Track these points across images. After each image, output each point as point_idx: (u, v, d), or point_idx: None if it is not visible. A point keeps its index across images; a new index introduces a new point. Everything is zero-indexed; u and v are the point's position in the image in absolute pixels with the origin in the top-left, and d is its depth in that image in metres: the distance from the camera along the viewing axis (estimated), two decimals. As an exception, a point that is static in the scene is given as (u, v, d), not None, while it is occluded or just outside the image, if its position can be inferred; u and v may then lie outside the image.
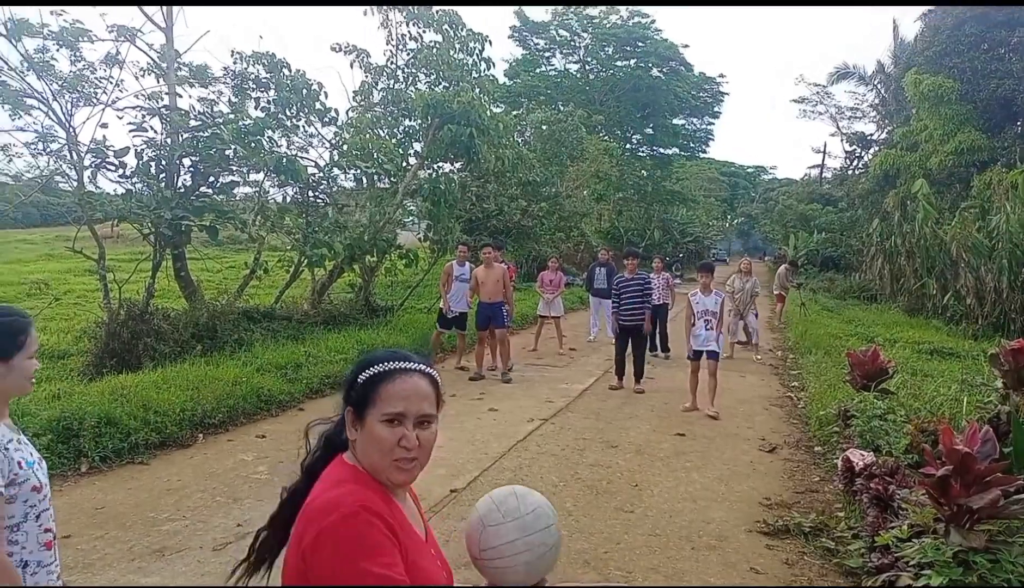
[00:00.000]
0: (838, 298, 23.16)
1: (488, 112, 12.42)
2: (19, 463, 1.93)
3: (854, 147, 37.87)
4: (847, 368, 7.65)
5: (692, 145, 45.51)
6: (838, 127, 40.07)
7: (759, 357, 12.07)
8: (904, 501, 4.24)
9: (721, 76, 42.93)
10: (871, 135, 36.72)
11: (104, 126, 12.26)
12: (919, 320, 16.75)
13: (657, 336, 11.98)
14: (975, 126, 22.70)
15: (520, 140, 18.26)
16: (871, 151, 34.59)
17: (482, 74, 14.14)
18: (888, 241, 20.97)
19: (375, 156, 11.68)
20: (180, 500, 5.12)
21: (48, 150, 9.12)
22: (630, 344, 9.39)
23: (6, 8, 8.42)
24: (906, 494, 4.33)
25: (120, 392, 6.57)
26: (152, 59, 10.30)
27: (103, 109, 9.18)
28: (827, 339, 12.48)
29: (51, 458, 5.46)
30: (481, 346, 9.99)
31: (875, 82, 34.13)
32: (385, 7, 13.43)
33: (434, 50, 13.40)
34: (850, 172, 37.85)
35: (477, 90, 13.05)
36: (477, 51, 13.89)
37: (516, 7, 37.36)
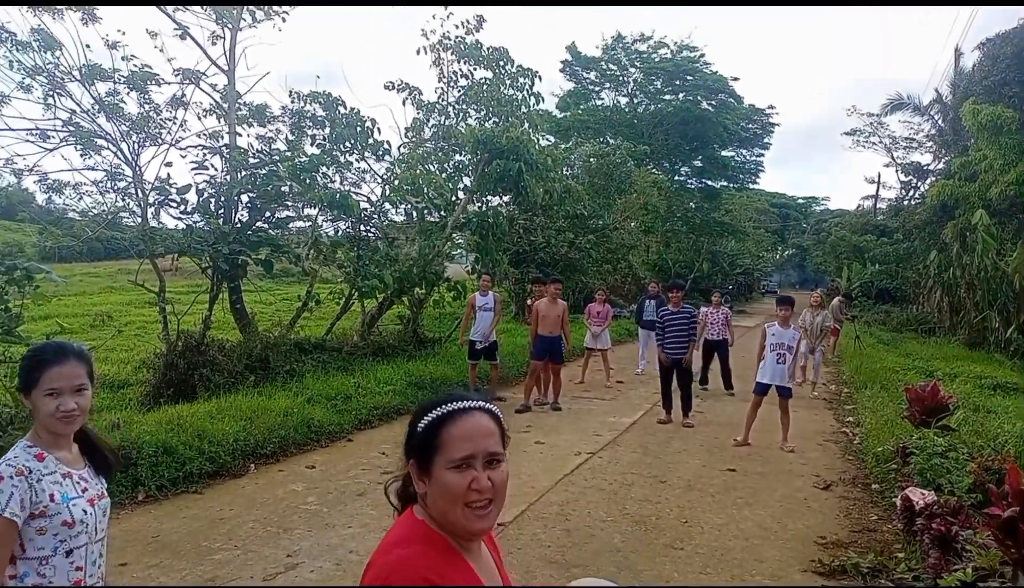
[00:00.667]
0: (894, 331, 22.55)
1: (536, 146, 12.56)
2: (51, 496, 1.95)
3: (910, 177, 37.03)
4: (905, 403, 7.44)
5: (742, 176, 45.05)
6: (892, 157, 39.25)
7: (815, 393, 11.78)
8: (968, 542, 4.09)
9: (771, 107, 42.46)
10: (927, 165, 35.85)
11: (168, 165, 12.82)
12: (980, 354, 16.17)
13: (707, 371, 11.85)
14: (1037, 155, 22.01)
15: (569, 173, 18.38)
16: (927, 181, 33.77)
17: (531, 109, 14.34)
18: (947, 273, 20.40)
19: (425, 191, 11.89)
20: (232, 530, 5.21)
21: (115, 188, 9.53)
22: (675, 378, 9.28)
23: (81, 55, 8.89)
24: (970, 535, 4.17)
25: (176, 422, 6.73)
26: (215, 100, 10.74)
27: (168, 149, 9.61)
28: (883, 373, 12.13)
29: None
30: (532, 378, 10.00)
31: (931, 112, 33.45)
32: (438, 48, 13.75)
33: (484, 87, 13.65)
34: (906, 203, 36.97)
35: (526, 125, 13.23)
36: (527, 86, 14.10)
37: (569, 43, 37.84)
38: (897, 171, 38.87)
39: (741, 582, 4.58)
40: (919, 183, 35.78)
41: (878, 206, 44.00)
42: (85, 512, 2.04)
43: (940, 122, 32.95)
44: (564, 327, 10.04)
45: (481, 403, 1.49)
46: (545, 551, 4.96)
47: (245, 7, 10.40)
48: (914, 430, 6.92)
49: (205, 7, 10.23)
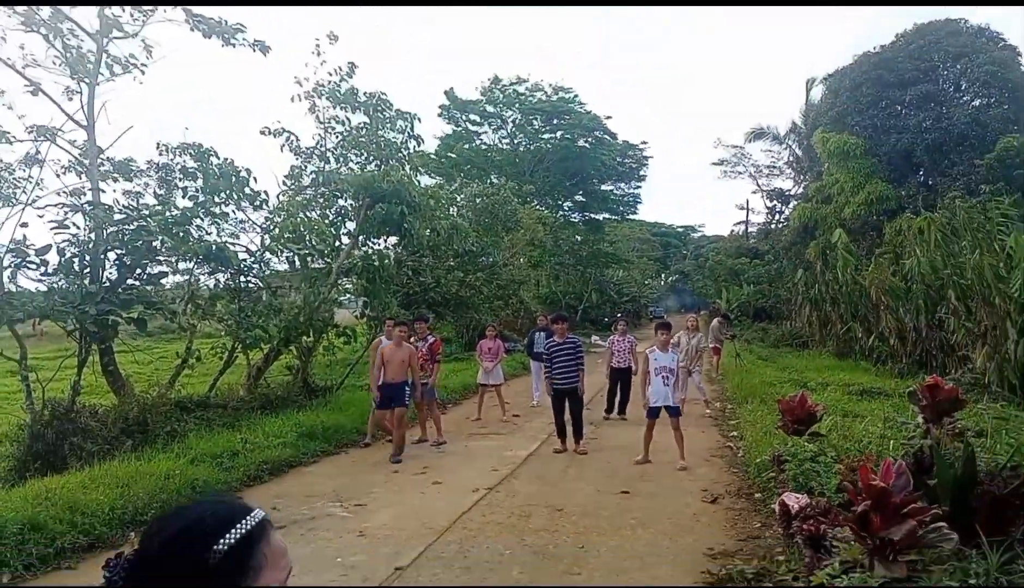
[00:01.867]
0: (772, 346, 23.86)
1: (418, 188, 12.67)
2: None
3: (774, 202, 39.65)
4: (779, 415, 7.88)
5: (622, 208, 46.81)
6: (758, 184, 41.98)
7: (708, 411, 12.25)
8: (836, 539, 4.38)
9: (644, 142, 44.59)
10: (789, 190, 38.56)
11: (24, 225, 12.00)
12: (848, 363, 17.39)
13: (618, 398, 12.03)
14: (881, 178, 24.12)
15: (455, 212, 18.56)
16: (790, 205, 36.24)
17: (412, 151, 14.45)
18: (813, 289, 21.88)
19: (307, 238, 11.71)
20: (111, 605, 4.89)
21: (-36, 253, 8.88)
22: (568, 406, 9.45)
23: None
24: (837, 532, 4.47)
25: (44, 495, 6.27)
26: (74, 156, 10.24)
27: (23, 209, 9.06)
28: (762, 387, 12.80)
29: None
30: (383, 427, 9.91)
31: (788, 141, 36.07)
32: (313, 95, 13.67)
33: (363, 132, 13.65)
34: (773, 226, 39.49)
35: (407, 167, 13.31)
36: (407, 129, 14.22)
37: (448, 88, 38.46)
38: (763, 197, 41.56)
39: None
40: (783, 207, 38.35)
41: (749, 230, 46.73)
42: None
43: (796, 150, 35.59)
44: (413, 372, 9.49)
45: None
46: (444, 591, 4.93)
47: (102, 61, 10.01)
48: (788, 439, 7.34)
49: (59, 64, 9.80)
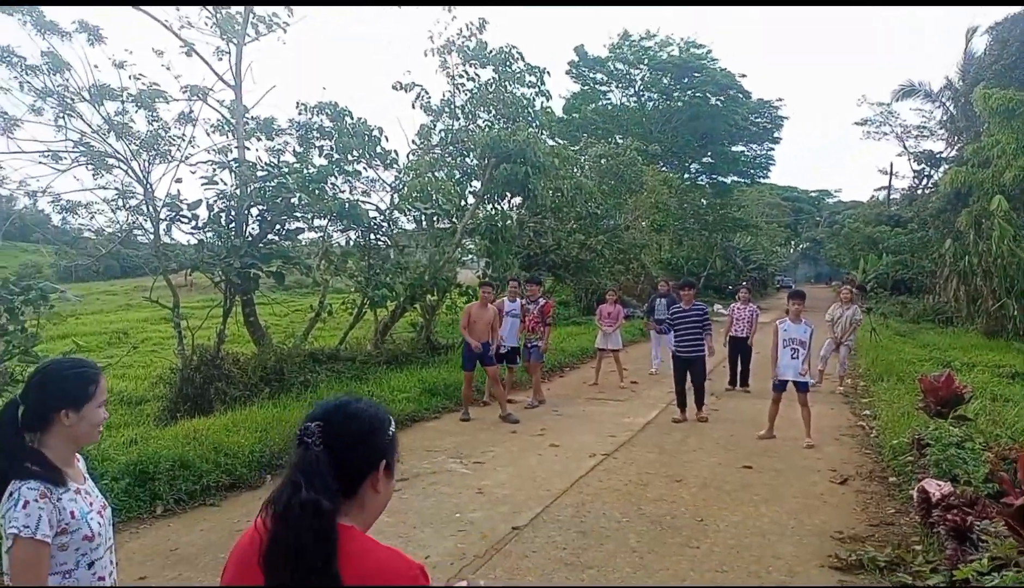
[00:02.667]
0: (911, 322, 22.36)
1: (544, 149, 12.57)
2: (71, 513, 2.00)
3: (922, 166, 36.78)
4: (920, 395, 7.37)
5: (752, 171, 44.94)
6: (904, 147, 39.03)
7: (841, 388, 11.60)
8: (984, 533, 4.06)
9: (779, 100, 42.49)
10: (940, 153, 35.61)
11: (179, 181, 12.90)
12: (999, 343, 16.02)
13: (739, 369, 11.69)
14: (1051, 138, 21.78)
15: (579, 173, 18.35)
16: (941, 169, 33.51)
17: (540, 108, 14.37)
18: (963, 261, 20.19)
19: (434, 197, 11.94)
20: (250, 540, 5.24)
21: (127, 206, 9.64)
22: (689, 375, 9.28)
23: (90, 75, 9.02)
24: (986, 526, 4.14)
25: (193, 436, 6.80)
26: (223, 115, 10.86)
27: (177, 165, 9.71)
28: (900, 365, 12.03)
29: (128, 501, 5.70)
30: (498, 386, 9.79)
31: (942, 99, 33.18)
32: (444, 51, 13.83)
33: (492, 87, 13.70)
34: (919, 192, 36.71)
35: (536, 125, 13.24)
36: (536, 83, 14.15)
37: (576, 45, 37.94)
38: (910, 160, 38.66)
39: (758, 580, 4.57)
40: (932, 171, 35.53)
41: (891, 196, 43.72)
42: (99, 524, 2.09)
43: (951, 108, 32.68)
44: (493, 333, 9.66)
45: None
46: (560, 553, 4.97)
47: (248, 21, 10.48)
48: (930, 421, 6.87)
49: (210, 24, 10.34)
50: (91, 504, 2.10)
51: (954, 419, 6.65)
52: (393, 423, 1.55)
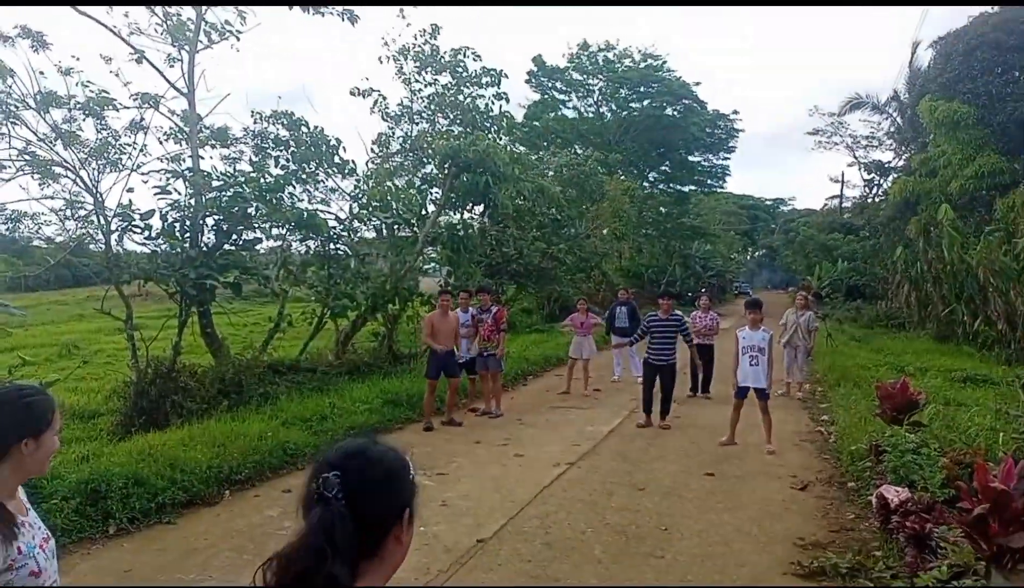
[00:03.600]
0: (865, 327, 22.85)
1: (504, 155, 12.54)
2: (18, 548, 1.91)
3: (872, 175, 37.67)
4: (877, 401, 7.52)
5: (709, 181, 45.61)
6: (855, 156, 39.96)
7: (800, 394, 11.72)
8: (942, 539, 4.13)
9: (735, 112, 43.19)
10: (889, 162, 36.54)
11: (130, 190, 12.60)
12: (950, 347, 16.45)
13: (700, 376, 11.65)
14: (994, 149, 22.48)
15: (541, 179, 18.34)
16: (889, 178, 34.38)
17: (499, 112, 14.39)
18: (913, 268, 20.71)
19: (394, 206, 11.85)
20: (207, 559, 5.11)
21: (76, 216, 9.36)
22: (659, 382, 9.34)
23: (35, 82, 8.73)
24: (944, 532, 4.22)
25: (147, 451, 6.60)
26: (175, 123, 10.60)
27: (129, 174, 9.43)
28: (856, 370, 12.26)
29: (79, 521, 5.50)
30: (431, 395, 9.62)
31: (889, 110, 34.09)
32: (399, 58, 13.79)
33: (449, 91, 13.70)
34: (870, 200, 37.60)
35: (495, 130, 13.22)
36: (495, 83, 14.18)
37: (535, 55, 38.14)
38: (860, 169, 39.59)
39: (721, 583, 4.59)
40: (882, 180, 36.43)
41: (843, 204, 44.69)
42: (44, 559, 1.99)
43: (899, 119, 33.58)
44: (456, 340, 9.90)
45: None
46: (526, 566, 4.93)
47: (200, 28, 10.27)
48: (886, 427, 7.00)
49: (160, 31, 10.10)
50: (34, 537, 2.00)
51: (909, 424, 6.79)
52: (412, 466, 1.40)
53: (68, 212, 9.32)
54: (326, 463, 1.29)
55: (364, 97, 13.85)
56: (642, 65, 38.09)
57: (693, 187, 43.95)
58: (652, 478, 7.07)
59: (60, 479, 5.86)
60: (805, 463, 7.64)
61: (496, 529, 5.62)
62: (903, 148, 33.81)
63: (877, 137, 37.64)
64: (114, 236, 9.03)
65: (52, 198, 9.28)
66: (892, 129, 35.12)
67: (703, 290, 18.87)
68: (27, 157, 8.86)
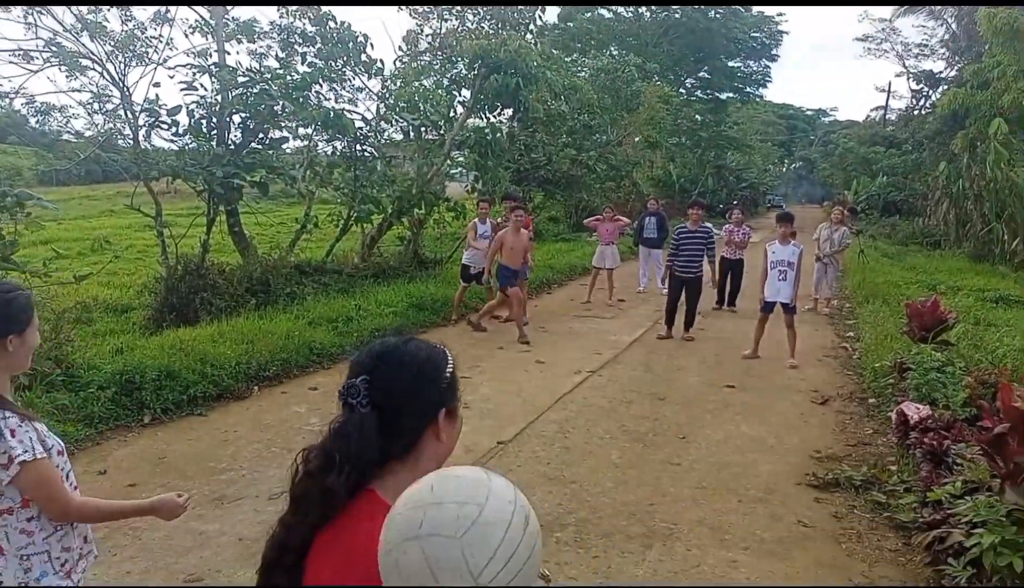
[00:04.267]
0: (900, 244, 22.37)
1: (536, 58, 12.14)
2: (41, 431, 1.99)
3: (921, 86, 36.16)
4: (905, 318, 7.42)
5: (748, 88, 43.95)
6: (904, 65, 38.21)
7: (827, 310, 11.61)
8: (959, 456, 4.14)
9: (780, 15, 41.25)
10: (940, 73, 34.96)
11: (156, 85, 12.43)
12: (985, 267, 16.09)
13: (727, 289, 11.64)
14: (1053, 61, 21.35)
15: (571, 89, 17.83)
16: (939, 90, 32.96)
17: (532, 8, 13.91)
18: (955, 184, 20.07)
19: (422, 107, 11.62)
20: (237, 451, 5.31)
21: (104, 109, 9.33)
22: (684, 294, 9.30)
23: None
24: (961, 449, 4.22)
25: (179, 346, 6.78)
26: (201, 16, 10.37)
27: (155, 68, 9.34)
28: (886, 288, 12.07)
29: (115, 410, 5.74)
30: (519, 307, 9.44)
31: (945, 16, 32.31)
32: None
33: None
34: (916, 113, 36.21)
35: (526, 27, 12.74)
36: None
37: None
38: (908, 80, 37.97)
39: (736, 497, 4.67)
40: (931, 92, 34.97)
41: (888, 117, 43.11)
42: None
43: (954, 27, 31.87)
44: (528, 258, 9.56)
45: None
46: (544, 468, 5.06)
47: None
48: (913, 345, 6.93)
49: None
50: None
51: (937, 343, 6.72)
52: (451, 361, 1.33)
53: (96, 106, 9.30)
54: (357, 364, 1.29)
55: (394, -7, 13.43)
56: (685, -37, 36.22)
57: (732, 94, 42.43)
58: (672, 388, 7.13)
59: (96, 369, 6.06)
60: (827, 378, 7.64)
61: (516, 432, 5.74)
62: (956, 58, 32.23)
63: (930, 45, 35.88)
64: (142, 131, 9.01)
65: (79, 91, 9.26)
66: (947, 36, 33.38)
67: (735, 203, 18.48)
68: (54, 48, 8.77)
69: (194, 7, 10.25)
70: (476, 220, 10.30)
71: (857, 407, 6.65)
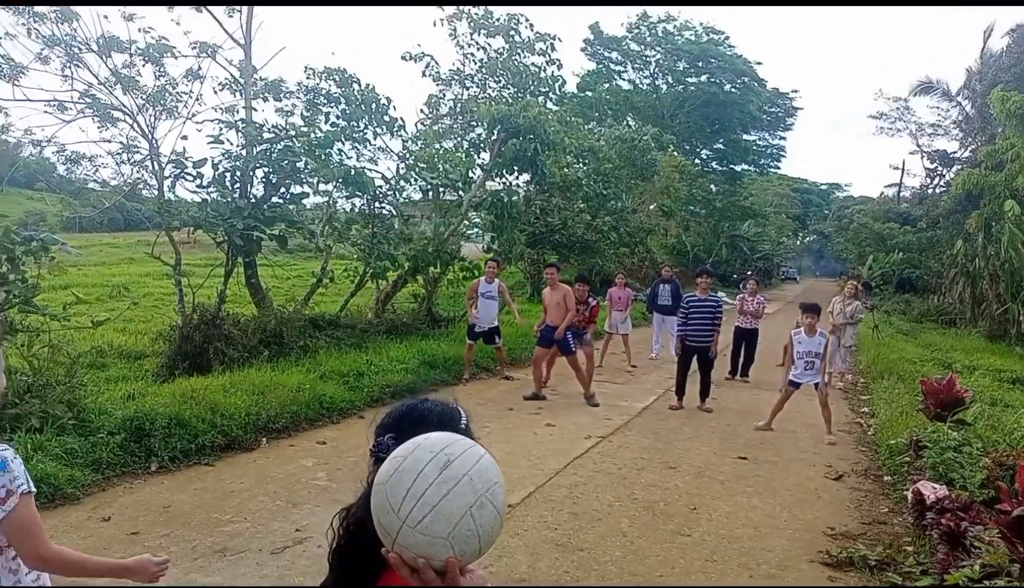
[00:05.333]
0: (914, 321, 22.27)
1: (554, 124, 12.41)
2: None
3: (935, 165, 36.52)
4: (921, 396, 7.33)
5: (763, 161, 44.61)
6: (918, 144, 38.74)
7: (840, 384, 11.52)
8: (977, 539, 4.04)
9: (794, 91, 42.13)
10: (953, 153, 35.37)
11: (184, 138, 12.81)
12: (1001, 347, 15.96)
13: (741, 359, 11.60)
14: (1066, 145, 21.55)
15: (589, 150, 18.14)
16: (953, 169, 33.27)
17: (552, 76, 14.24)
18: (971, 263, 20.07)
19: (441, 168, 11.84)
20: (242, 502, 5.26)
21: (132, 160, 9.57)
22: (695, 364, 9.23)
23: (98, 26, 8.88)
24: (980, 532, 4.12)
25: (190, 394, 6.80)
26: (231, 74, 10.72)
27: (184, 122, 9.60)
28: (901, 364, 11.97)
29: (123, 456, 5.72)
30: (537, 367, 9.57)
31: (959, 98, 32.83)
32: (453, 20, 13.71)
33: (501, 56, 13.58)
34: (930, 191, 36.47)
35: (546, 95, 13.05)
36: (547, 51, 14.04)
37: (592, 23, 37.52)
38: (922, 158, 38.39)
39: (748, 572, 4.56)
40: (944, 171, 35.30)
41: (901, 194, 43.43)
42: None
43: (968, 108, 32.36)
44: (568, 313, 9.33)
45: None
46: (552, 534, 4.97)
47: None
48: (929, 423, 6.83)
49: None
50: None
51: (953, 422, 6.62)
52: (464, 416, 1.48)
53: (124, 156, 9.53)
54: (381, 427, 1.44)
55: (416, 61, 13.81)
56: (703, 39, 37.20)
57: (746, 167, 43.04)
58: (684, 458, 7.03)
59: (107, 415, 6.07)
60: (841, 454, 7.51)
61: (524, 496, 5.66)
62: (969, 139, 32.64)
63: (943, 126, 36.43)
64: (167, 182, 9.23)
65: (109, 142, 9.51)
66: (960, 118, 33.89)
67: (749, 273, 18.54)
68: (88, 100, 9.06)
69: (225, 66, 10.60)
70: (482, 279, 10.36)
71: (872, 484, 6.53)
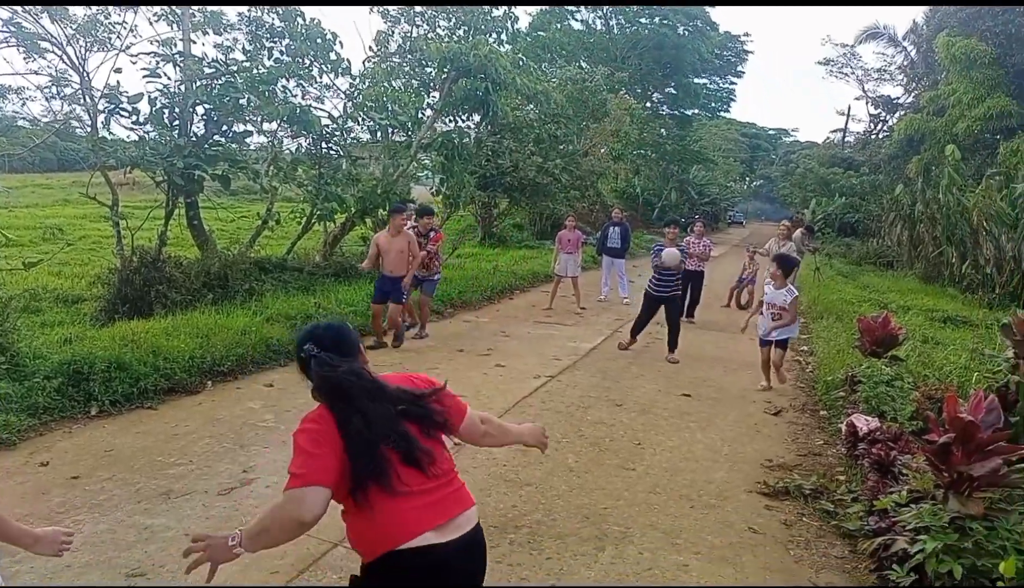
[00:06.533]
0: (854, 264, 22.93)
1: (506, 64, 12.18)
2: None
3: (879, 110, 37.17)
4: (857, 334, 7.58)
5: (713, 105, 44.80)
6: (864, 90, 39.26)
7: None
8: (905, 467, 4.24)
9: (746, 35, 42.18)
10: (897, 99, 36.02)
11: (118, 71, 12.18)
12: (935, 288, 16.57)
13: (687, 300, 11.59)
14: (1005, 91, 22.15)
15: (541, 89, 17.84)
16: (896, 115, 33.91)
17: (504, 13, 13.90)
18: (911, 207, 20.65)
19: (390, 108, 11.57)
20: (187, 445, 5.20)
21: (62, 94, 9.10)
22: (662, 311, 9.10)
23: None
24: (908, 460, 4.32)
25: (131, 338, 6.63)
26: (167, 5, 10.19)
27: (117, 54, 9.13)
28: (840, 304, 12.37)
29: (61, 401, 5.58)
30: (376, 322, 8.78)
31: (905, 43, 33.26)
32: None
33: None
34: (874, 136, 37.17)
35: (497, 35, 12.77)
36: None
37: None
38: (867, 104, 38.98)
39: (689, 502, 4.71)
40: (888, 117, 35.95)
41: (846, 139, 44.16)
42: None
43: (913, 54, 32.83)
44: (411, 264, 8.56)
45: None
46: (500, 470, 5.05)
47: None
48: (864, 360, 7.09)
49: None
50: None
51: (887, 359, 6.88)
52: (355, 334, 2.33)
53: (54, 90, 9.05)
54: (298, 342, 2.18)
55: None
56: (656, -21, 36.75)
57: (697, 111, 43.15)
58: (629, 395, 7.18)
59: (42, 359, 5.91)
60: (780, 390, 7.76)
61: (473, 433, 5.71)
62: (914, 84, 33.23)
63: (889, 71, 36.92)
64: (100, 118, 8.80)
65: (37, 73, 9.01)
66: (905, 63, 34.39)
67: (697, 216, 18.74)
68: (12, 28, 8.53)
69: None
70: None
71: (809, 419, 6.78)
